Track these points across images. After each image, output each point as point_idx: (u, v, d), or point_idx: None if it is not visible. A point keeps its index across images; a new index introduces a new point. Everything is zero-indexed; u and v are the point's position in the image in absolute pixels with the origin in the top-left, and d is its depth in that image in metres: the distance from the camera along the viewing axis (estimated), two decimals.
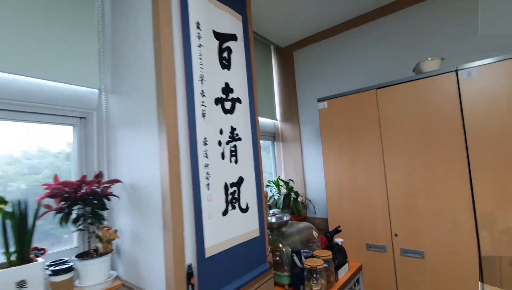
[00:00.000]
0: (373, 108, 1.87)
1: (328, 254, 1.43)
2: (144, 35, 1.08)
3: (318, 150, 2.66)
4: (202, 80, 1.09)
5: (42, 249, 1.01)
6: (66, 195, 1.03)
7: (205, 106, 1.09)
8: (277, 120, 2.96)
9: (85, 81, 1.28)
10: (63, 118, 1.24)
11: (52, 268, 1.02)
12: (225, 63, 1.24)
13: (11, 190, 1.12)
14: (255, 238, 1.27)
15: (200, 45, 1.10)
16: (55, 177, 1.06)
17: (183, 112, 1.03)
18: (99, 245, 1.12)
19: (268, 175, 2.86)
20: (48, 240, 1.20)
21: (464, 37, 1.93)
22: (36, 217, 0.97)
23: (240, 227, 1.20)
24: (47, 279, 1.02)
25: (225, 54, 1.24)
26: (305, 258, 1.37)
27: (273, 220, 1.64)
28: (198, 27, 1.10)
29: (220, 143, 1.15)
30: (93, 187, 1.10)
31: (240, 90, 1.30)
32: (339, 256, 1.60)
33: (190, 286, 0.98)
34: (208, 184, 1.06)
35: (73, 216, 1.05)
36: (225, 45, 1.24)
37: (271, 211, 1.74)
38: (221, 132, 1.16)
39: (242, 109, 1.29)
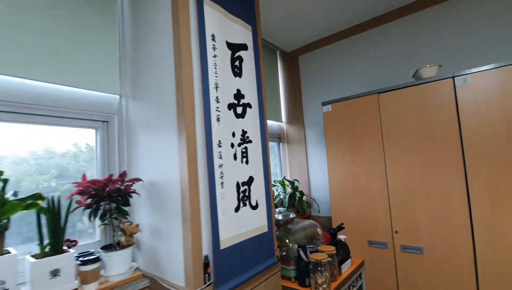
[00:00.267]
0: (375, 111, 1.96)
1: (332, 249, 1.52)
2: (165, 49, 1.18)
3: (322, 151, 2.76)
4: (216, 87, 1.19)
5: (74, 241, 1.12)
6: (94, 192, 1.14)
7: (219, 111, 1.20)
8: (282, 122, 3.06)
9: (107, 88, 1.38)
10: (88, 121, 1.35)
11: (81, 258, 1.12)
12: (237, 71, 1.34)
13: (42, 188, 1.23)
14: (264, 233, 1.36)
15: (215, 56, 1.21)
16: (83, 176, 1.16)
17: (200, 117, 1.13)
18: (122, 238, 1.22)
19: (274, 175, 2.96)
20: (73, 235, 1.31)
21: (461, 45, 2.03)
22: (68, 211, 1.08)
23: (251, 223, 1.29)
24: (76, 268, 1.12)
25: (236, 63, 1.34)
26: (310, 252, 1.47)
27: (280, 217, 1.73)
28: (213, 39, 1.20)
29: (232, 145, 1.25)
30: (117, 185, 1.20)
31: (250, 95, 1.40)
32: (342, 251, 1.69)
33: (206, 275, 1.07)
34: (222, 183, 1.16)
35: (100, 211, 1.16)
36: (236, 54, 1.34)
37: (277, 210, 1.83)
38: (233, 135, 1.26)
39: (252, 113, 1.39)
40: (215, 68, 1.20)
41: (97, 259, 1.14)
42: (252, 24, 1.48)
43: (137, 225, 1.24)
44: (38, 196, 1.00)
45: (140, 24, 1.36)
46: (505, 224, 1.49)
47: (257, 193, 1.36)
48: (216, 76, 1.20)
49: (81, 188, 1.10)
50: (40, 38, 1.18)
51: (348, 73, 2.61)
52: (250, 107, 1.38)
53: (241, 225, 1.23)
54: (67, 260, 1.05)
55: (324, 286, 1.39)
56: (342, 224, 1.78)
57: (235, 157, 1.25)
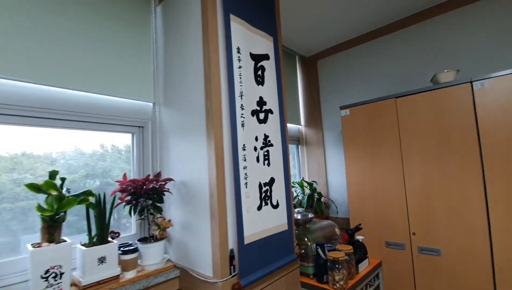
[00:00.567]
0: (393, 115, 2.00)
1: (349, 248, 1.59)
2: (195, 62, 1.30)
3: (340, 153, 2.81)
4: (241, 96, 1.31)
5: (117, 232, 1.27)
6: (133, 190, 1.28)
7: (243, 117, 1.31)
8: (301, 125, 3.14)
9: (143, 97, 1.54)
10: (126, 127, 1.51)
11: (122, 248, 1.27)
12: (259, 80, 1.44)
13: (88, 186, 1.40)
14: (284, 231, 1.46)
15: (239, 67, 1.32)
16: (124, 175, 1.31)
17: (227, 123, 1.25)
18: (156, 232, 1.36)
19: (293, 176, 3.04)
20: (113, 228, 1.46)
21: (479, 50, 2.02)
22: (112, 207, 1.23)
23: (272, 221, 1.39)
24: (118, 257, 1.27)
25: (259, 72, 1.45)
26: (328, 251, 1.54)
27: (299, 217, 1.82)
28: (238, 52, 1.32)
29: (255, 148, 1.35)
30: (152, 184, 1.34)
31: (272, 102, 1.50)
32: (360, 251, 1.75)
33: (232, 266, 1.18)
34: (246, 183, 1.27)
35: (139, 207, 1.30)
36: (259, 64, 1.45)
37: (295, 210, 1.92)
38: (256, 139, 1.37)
39: (274, 118, 1.49)
40: (240, 78, 1.31)
41: (136, 250, 1.28)
42: (273, 35, 1.58)
43: (170, 220, 1.37)
44: (89, 193, 1.16)
45: (172, 39, 1.50)
46: None
47: (278, 193, 1.46)
48: (241, 85, 1.31)
49: (123, 186, 1.25)
50: (87, 55, 1.34)
51: (366, 78, 2.65)
52: (272, 113, 1.48)
53: (263, 223, 1.34)
54: (112, 249, 1.19)
55: (341, 283, 1.46)
56: (360, 225, 1.84)
57: (257, 159, 1.36)
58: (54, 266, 1.00)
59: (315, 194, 2.76)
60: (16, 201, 1.20)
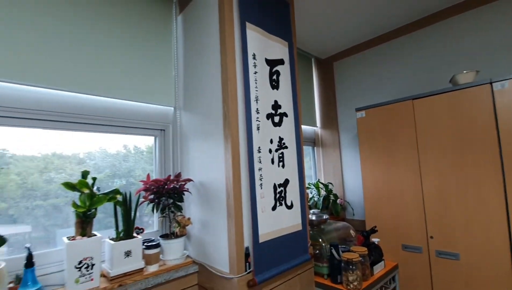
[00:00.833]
0: (410, 117, 1.99)
1: (363, 250, 1.60)
2: (213, 68, 1.38)
3: (356, 155, 2.80)
4: (257, 100, 1.36)
5: (141, 228, 1.36)
6: (156, 189, 1.37)
7: (259, 121, 1.36)
8: (317, 127, 3.15)
9: (164, 102, 1.63)
10: (149, 130, 1.61)
11: (146, 244, 1.36)
12: (274, 84, 1.49)
13: (114, 185, 1.50)
14: (298, 231, 1.50)
15: (255, 72, 1.38)
16: (148, 176, 1.41)
17: (243, 126, 1.31)
18: (177, 229, 1.44)
19: (308, 178, 3.05)
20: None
21: (499, 50, 1.96)
22: (137, 205, 1.32)
23: (286, 221, 1.44)
24: (142, 252, 1.36)
25: (274, 77, 1.50)
26: (342, 252, 1.57)
27: (314, 217, 1.85)
28: (254, 58, 1.38)
29: (270, 151, 1.40)
30: (173, 184, 1.43)
31: (287, 105, 1.55)
32: (375, 253, 1.75)
33: (247, 263, 1.24)
34: (261, 184, 1.33)
35: (161, 206, 1.39)
36: (274, 69, 1.50)
37: (311, 211, 1.95)
38: (271, 141, 1.42)
39: (288, 122, 1.54)
40: (256, 83, 1.37)
41: (158, 245, 1.37)
42: (288, 40, 1.63)
43: (189, 218, 1.45)
44: (117, 191, 1.26)
45: (191, 46, 1.59)
46: None
47: (292, 194, 1.50)
48: (256, 90, 1.37)
49: (146, 186, 1.34)
50: (114, 64, 1.45)
51: (383, 79, 2.63)
52: (286, 116, 1.53)
53: (277, 222, 1.38)
54: (137, 244, 1.29)
55: (355, 283, 1.48)
56: (375, 227, 1.84)
57: (272, 161, 1.41)
58: (87, 258, 1.10)
59: (331, 195, 2.76)
60: (48, 198, 1.31)
